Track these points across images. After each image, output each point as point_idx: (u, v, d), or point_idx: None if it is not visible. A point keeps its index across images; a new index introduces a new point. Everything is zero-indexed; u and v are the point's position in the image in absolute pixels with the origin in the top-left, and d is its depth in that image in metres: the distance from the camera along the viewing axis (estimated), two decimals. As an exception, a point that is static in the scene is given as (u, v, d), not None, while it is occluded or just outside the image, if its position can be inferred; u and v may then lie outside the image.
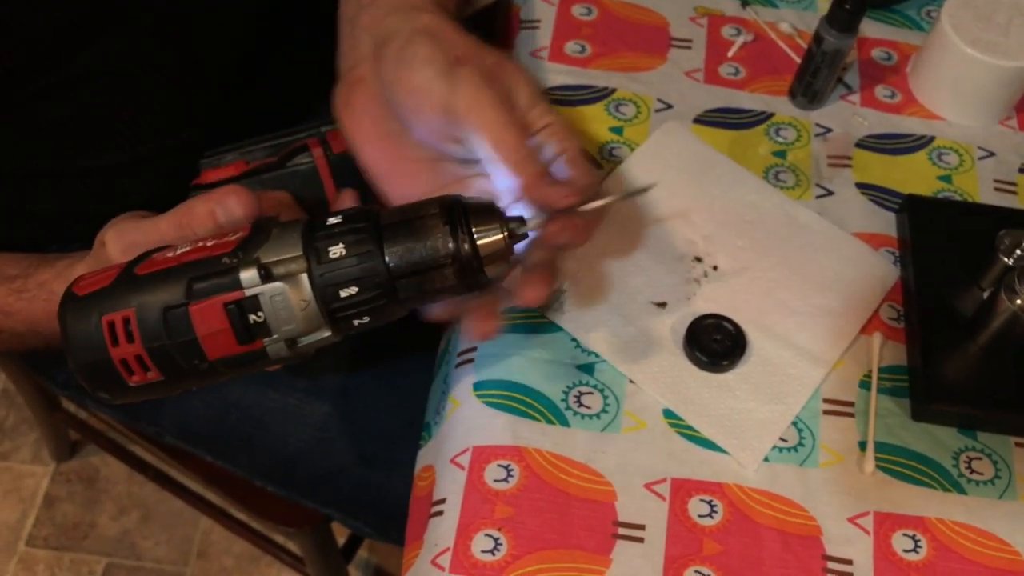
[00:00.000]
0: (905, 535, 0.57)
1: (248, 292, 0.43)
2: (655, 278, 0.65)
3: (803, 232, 0.67)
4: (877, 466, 0.59)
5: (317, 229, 0.45)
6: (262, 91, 0.80)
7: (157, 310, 0.44)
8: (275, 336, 0.44)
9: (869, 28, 0.79)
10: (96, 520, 1.39)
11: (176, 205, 0.78)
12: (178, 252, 0.46)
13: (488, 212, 0.46)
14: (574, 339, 0.62)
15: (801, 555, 0.56)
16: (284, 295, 0.43)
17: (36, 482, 1.42)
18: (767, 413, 0.60)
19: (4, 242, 0.78)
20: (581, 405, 0.60)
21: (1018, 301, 0.57)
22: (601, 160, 0.70)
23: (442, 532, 0.56)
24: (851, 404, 0.61)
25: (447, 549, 0.55)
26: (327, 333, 0.45)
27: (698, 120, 0.72)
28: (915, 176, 0.71)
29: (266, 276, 0.44)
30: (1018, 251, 0.61)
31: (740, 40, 0.77)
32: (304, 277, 0.44)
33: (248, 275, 0.43)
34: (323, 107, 0.58)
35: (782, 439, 0.59)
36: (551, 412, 0.59)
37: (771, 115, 0.73)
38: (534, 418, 0.59)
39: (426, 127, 0.52)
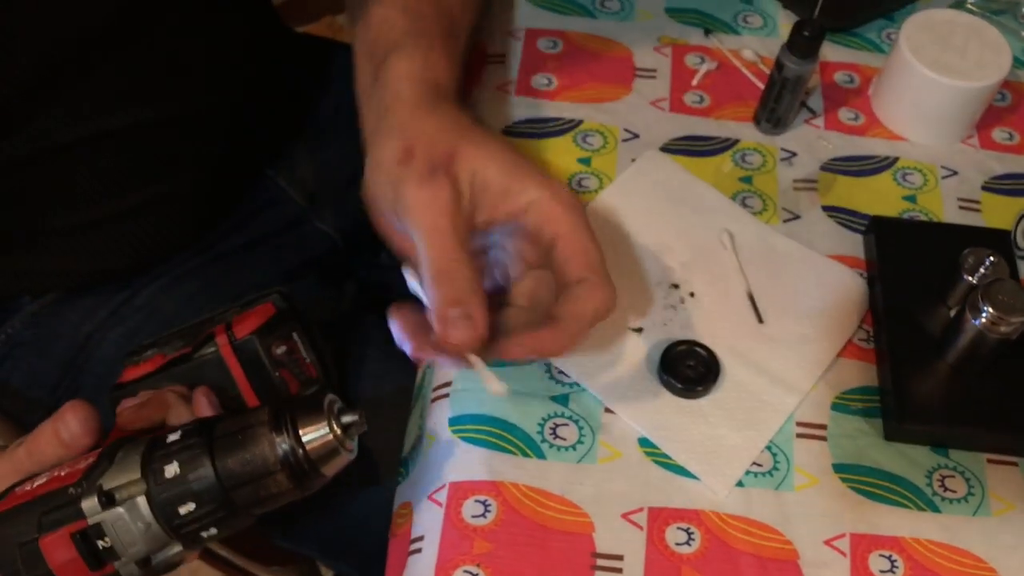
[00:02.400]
0: (882, 555, 0.57)
1: (91, 520, 0.46)
2: (632, 304, 0.65)
3: (781, 260, 0.67)
4: (852, 487, 0.59)
5: (157, 449, 0.47)
6: (225, 143, 0.80)
7: (13, 546, 0.46)
8: (123, 559, 0.46)
9: (831, 52, 0.80)
10: (81, 564, 1.38)
11: (145, 256, 0.78)
12: (35, 485, 0.48)
13: (315, 410, 0.48)
14: (548, 370, 0.62)
15: (779, 580, 0.56)
16: (124, 520, 0.46)
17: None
18: (739, 439, 0.60)
19: None
20: (557, 437, 0.60)
21: (983, 319, 0.58)
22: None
23: (420, 569, 0.56)
24: (824, 427, 0.61)
25: (426, 587, 0.55)
26: (178, 548, 0.47)
27: (665, 148, 0.73)
28: (880, 197, 0.72)
29: (108, 502, 0.46)
30: (981, 270, 0.61)
31: (704, 68, 0.78)
32: (142, 500, 0.46)
33: (89, 503, 0.46)
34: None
35: (756, 464, 0.60)
36: (527, 445, 0.60)
37: (736, 141, 0.74)
38: (510, 452, 0.59)
39: (391, 229, 0.53)
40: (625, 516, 0.58)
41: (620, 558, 0.56)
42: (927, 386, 0.61)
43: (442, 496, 0.58)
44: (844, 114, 0.76)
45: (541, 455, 0.59)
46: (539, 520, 0.57)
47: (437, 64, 0.58)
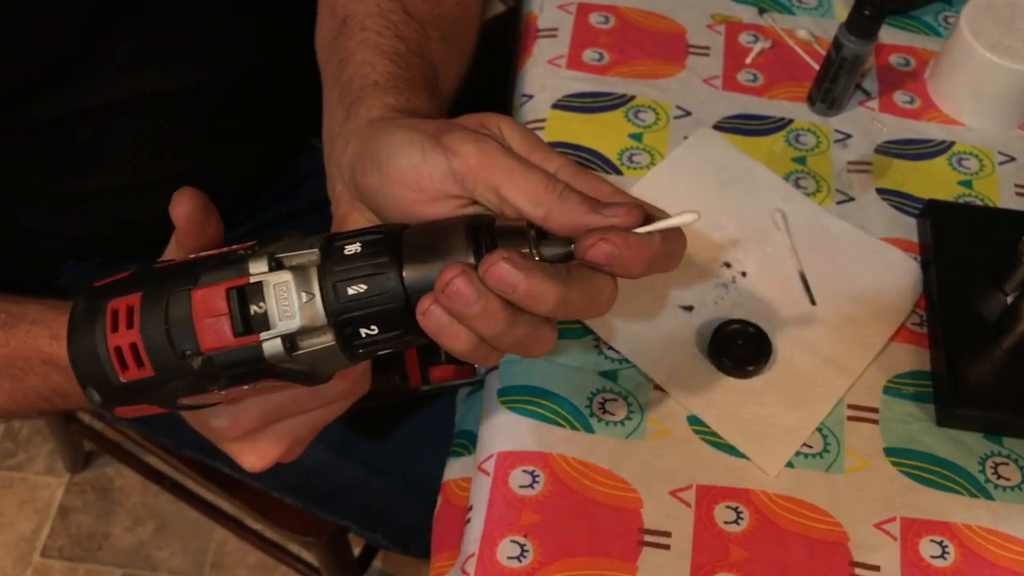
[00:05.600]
0: (932, 541, 0.56)
1: (253, 279, 0.42)
2: (683, 282, 0.65)
3: (835, 241, 0.67)
4: (903, 472, 0.58)
5: (340, 235, 0.43)
6: (270, 109, 0.80)
7: (162, 295, 0.43)
8: (272, 331, 0.42)
9: (886, 34, 0.79)
10: (110, 531, 1.39)
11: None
12: (200, 254, 0.45)
13: (518, 235, 0.42)
14: (597, 345, 0.62)
15: (828, 561, 0.55)
16: (289, 284, 0.41)
17: (51, 493, 1.42)
18: (790, 420, 0.60)
19: (20, 258, 0.78)
20: (605, 412, 0.60)
21: (1044, 305, 0.57)
22: (621, 166, 0.70)
23: (469, 539, 0.56)
24: (875, 410, 0.61)
25: (472, 555, 0.55)
26: (329, 339, 0.42)
27: (717, 127, 0.72)
28: (935, 181, 0.71)
29: (276, 267, 0.42)
30: (1042, 255, 0.61)
31: (758, 47, 0.77)
32: (313, 270, 0.42)
33: (256, 264, 0.42)
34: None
35: (807, 445, 0.59)
36: (575, 418, 0.59)
37: (790, 121, 0.73)
38: (559, 424, 0.59)
39: (435, 208, 0.45)
40: (673, 493, 0.57)
41: (668, 534, 0.56)
42: (981, 372, 0.61)
43: (490, 466, 0.58)
44: (899, 97, 0.75)
45: (590, 429, 0.59)
46: (587, 493, 0.57)
47: (421, 110, 0.54)
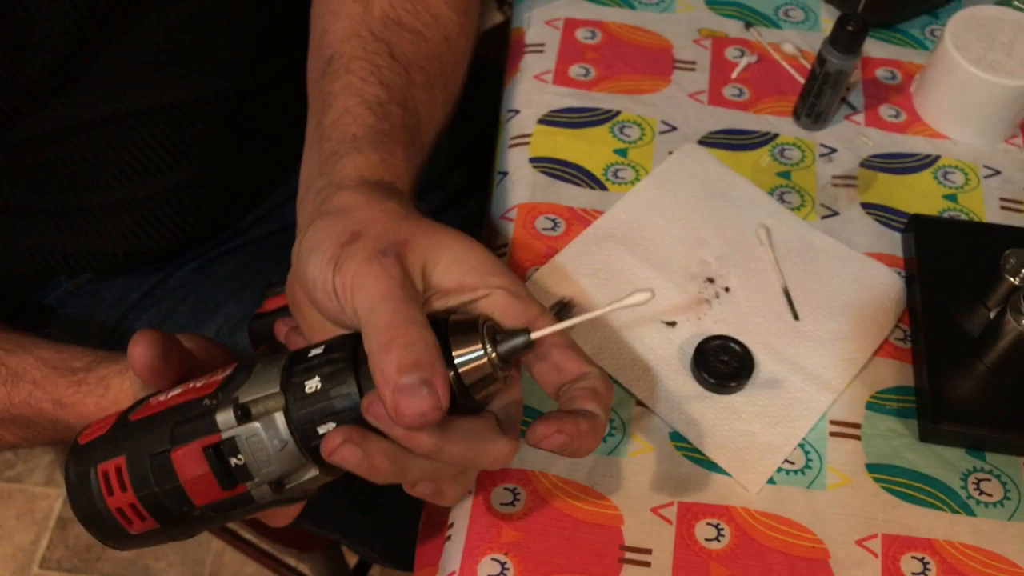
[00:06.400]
0: (914, 558, 0.56)
1: (225, 435, 0.43)
2: (666, 297, 0.65)
3: (818, 256, 0.67)
4: (885, 488, 0.58)
5: (298, 362, 0.43)
6: (260, 125, 0.80)
7: (145, 457, 0.44)
8: (256, 479, 0.43)
9: (872, 48, 0.79)
10: (109, 542, 1.40)
11: (178, 239, 0.78)
12: (169, 396, 0.46)
13: (471, 330, 0.43)
14: (580, 362, 0.62)
15: (809, 578, 0.55)
16: (259, 436, 0.42)
17: (49, 504, 1.43)
18: (772, 436, 0.60)
19: (11, 275, 0.79)
20: (587, 428, 0.60)
21: (1024, 321, 0.57)
22: (606, 182, 0.70)
23: (449, 555, 0.56)
24: (858, 426, 0.61)
25: (453, 573, 0.55)
26: (314, 472, 0.44)
27: (703, 141, 0.73)
28: (921, 195, 0.71)
29: (243, 416, 0.43)
30: (1023, 271, 0.61)
31: (744, 61, 0.77)
32: (280, 416, 0.42)
33: (224, 417, 0.43)
34: None
35: (788, 461, 0.59)
36: (557, 436, 0.59)
37: (775, 136, 0.73)
38: (540, 442, 0.59)
39: (332, 319, 0.46)
40: (655, 510, 0.57)
41: (648, 551, 0.56)
42: (964, 387, 0.61)
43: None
44: (885, 111, 0.75)
45: (571, 446, 0.59)
46: (568, 511, 0.57)
47: (394, 167, 0.54)
